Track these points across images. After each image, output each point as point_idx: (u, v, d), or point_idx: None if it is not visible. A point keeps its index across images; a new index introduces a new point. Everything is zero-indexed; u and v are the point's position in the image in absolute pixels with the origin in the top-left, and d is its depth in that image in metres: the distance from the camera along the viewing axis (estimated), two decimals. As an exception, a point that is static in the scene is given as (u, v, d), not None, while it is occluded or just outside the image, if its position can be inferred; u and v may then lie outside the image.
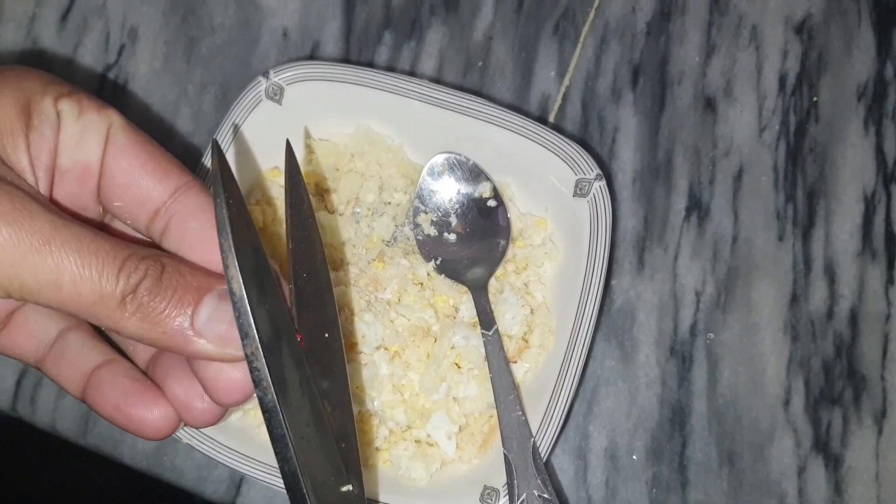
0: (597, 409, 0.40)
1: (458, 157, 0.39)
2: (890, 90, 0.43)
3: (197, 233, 0.27)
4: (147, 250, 0.25)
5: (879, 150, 0.43)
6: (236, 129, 0.37)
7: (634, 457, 0.40)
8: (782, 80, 0.44)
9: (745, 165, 0.43)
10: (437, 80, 0.43)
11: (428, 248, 0.39)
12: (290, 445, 0.25)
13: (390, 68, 0.44)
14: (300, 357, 0.27)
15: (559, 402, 0.35)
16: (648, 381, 0.41)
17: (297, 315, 0.28)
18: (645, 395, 0.40)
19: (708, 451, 0.40)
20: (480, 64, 0.44)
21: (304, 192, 0.31)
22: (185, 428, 0.35)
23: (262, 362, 0.24)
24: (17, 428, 0.42)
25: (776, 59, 0.44)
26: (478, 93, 0.40)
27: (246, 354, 0.24)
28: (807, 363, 0.40)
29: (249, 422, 0.37)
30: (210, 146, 0.27)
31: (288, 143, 0.31)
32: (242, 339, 0.24)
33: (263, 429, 0.37)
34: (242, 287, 0.23)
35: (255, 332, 0.24)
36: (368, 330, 0.37)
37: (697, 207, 0.42)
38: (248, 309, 0.23)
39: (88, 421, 0.40)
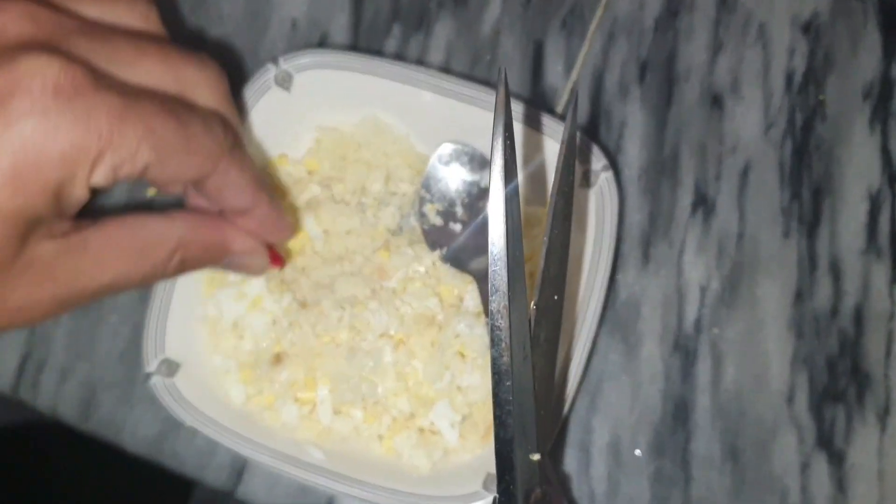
0: (600, 402, 0.40)
1: (464, 147, 0.39)
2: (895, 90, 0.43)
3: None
4: None
5: (885, 150, 0.43)
6: (245, 114, 0.37)
7: (637, 451, 0.40)
8: (789, 79, 0.44)
9: (751, 162, 0.43)
10: (445, 72, 0.43)
11: (433, 237, 0.39)
12: (512, 411, 0.25)
13: (398, 59, 0.44)
14: (527, 322, 0.27)
15: (562, 395, 0.35)
16: (652, 376, 0.40)
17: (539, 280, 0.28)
18: (648, 389, 0.40)
19: (711, 447, 0.40)
20: (488, 58, 0.44)
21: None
22: (188, 410, 0.35)
23: (506, 322, 0.24)
24: (17, 413, 0.42)
25: (783, 57, 0.44)
26: (486, 83, 0.41)
27: (491, 311, 0.24)
28: (811, 360, 0.40)
29: (253, 407, 0.37)
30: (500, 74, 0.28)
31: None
32: (491, 295, 0.24)
33: (268, 413, 0.37)
34: (504, 241, 0.23)
35: (507, 290, 0.23)
36: (373, 318, 0.37)
37: (703, 203, 0.42)
38: (506, 266, 0.23)
39: (90, 406, 0.40)
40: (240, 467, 0.40)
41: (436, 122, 0.39)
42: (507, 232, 0.24)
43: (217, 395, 0.37)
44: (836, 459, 0.39)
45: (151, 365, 0.36)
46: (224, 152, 0.28)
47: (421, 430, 0.37)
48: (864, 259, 0.41)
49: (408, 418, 0.37)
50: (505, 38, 0.44)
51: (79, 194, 0.24)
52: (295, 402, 0.37)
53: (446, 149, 0.39)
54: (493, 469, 0.35)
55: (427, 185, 0.39)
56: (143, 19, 0.28)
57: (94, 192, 0.25)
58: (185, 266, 0.30)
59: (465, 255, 0.39)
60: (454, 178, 0.39)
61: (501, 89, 0.26)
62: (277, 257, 0.36)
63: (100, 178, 0.24)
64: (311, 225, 0.39)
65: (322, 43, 0.44)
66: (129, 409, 0.40)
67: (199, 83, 0.28)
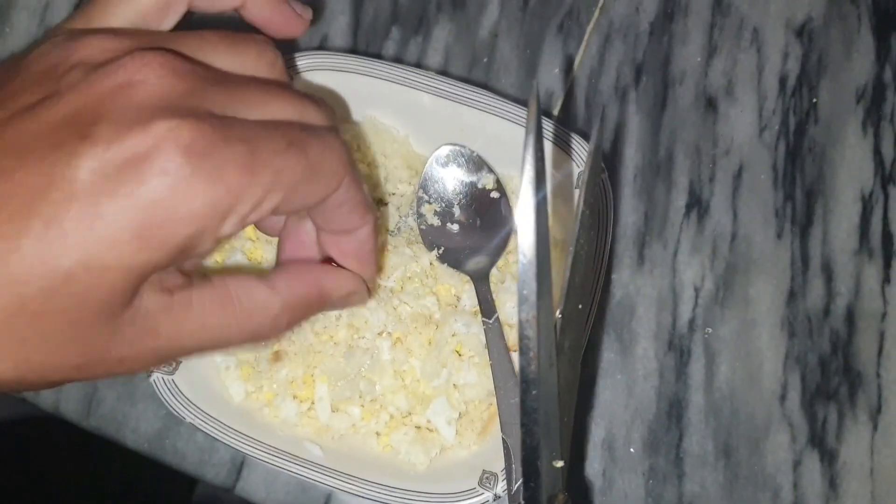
0: (595, 400, 0.41)
1: (462, 148, 0.40)
2: (888, 93, 0.44)
3: None
4: None
5: (877, 152, 0.43)
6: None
7: (632, 449, 0.40)
8: (783, 82, 0.44)
9: (745, 164, 0.43)
10: (443, 74, 0.44)
11: (431, 237, 0.40)
12: (538, 420, 0.25)
13: (397, 62, 0.44)
14: (553, 331, 0.27)
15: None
16: (646, 374, 0.41)
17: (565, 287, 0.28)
18: (643, 387, 0.41)
19: (704, 444, 0.40)
20: (486, 60, 0.45)
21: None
22: (188, 407, 0.36)
23: (534, 332, 0.24)
24: (20, 410, 0.42)
25: (777, 60, 0.45)
26: (483, 86, 0.41)
27: (520, 320, 0.24)
28: (803, 359, 0.41)
29: (252, 404, 0.38)
30: (533, 89, 0.28)
31: None
32: (520, 304, 0.24)
33: (266, 410, 0.37)
34: (534, 251, 0.24)
35: (535, 299, 0.24)
36: (371, 316, 0.38)
37: (697, 204, 0.43)
38: (535, 275, 0.24)
39: (91, 403, 0.41)
40: (239, 464, 0.40)
41: (434, 124, 0.39)
42: (537, 242, 0.24)
43: (217, 392, 0.38)
44: (828, 457, 0.40)
45: (153, 362, 0.36)
46: (347, 170, 0.27)
47: (418, 427, 0.38)
48: (857, 259, 0.42)
49: (405, 415, 0.38)
50: (502, 41, 0.45)
51: (207, 248, 0.24)
52: (294, 399, 0.38)
53: (444, 150, 0.40)
54: (489, 466, 0.36)
55: (425, 186, 0.40)
56: (270, 68, 0.28)
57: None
58: (292, 325, 0.30)
59: (462, 256, 0.39)
60: (452, 179, 0.40)
61: (533, 101, 0.26)
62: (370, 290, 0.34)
63: (228, 229, 0.24)
64: (310, 225, 0.39)
65: (322, 45, 0.45)
66: (130, 406, 0.41)
67: (316, 113, 0.28)
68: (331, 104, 0.31)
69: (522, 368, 0.25)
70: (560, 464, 0.29)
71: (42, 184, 0.22)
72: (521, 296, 0.24)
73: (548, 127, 0.38)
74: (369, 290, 0.33)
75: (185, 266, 0.26)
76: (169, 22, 0.29)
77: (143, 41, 0.25)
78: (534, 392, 0.25)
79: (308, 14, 0.34)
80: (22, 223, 0.21)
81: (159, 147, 0.22)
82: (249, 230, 0.40)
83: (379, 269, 0.38)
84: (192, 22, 0.29)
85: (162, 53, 0.24)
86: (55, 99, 0.23)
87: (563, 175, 0.38)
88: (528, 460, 0.27)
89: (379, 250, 0.35)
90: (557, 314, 0.30)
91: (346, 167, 0.27)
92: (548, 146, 0.38)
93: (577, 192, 0.38)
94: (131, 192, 0.22)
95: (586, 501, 0.40)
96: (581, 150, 0.38)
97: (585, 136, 0.43)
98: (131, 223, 0.22)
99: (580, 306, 0.32)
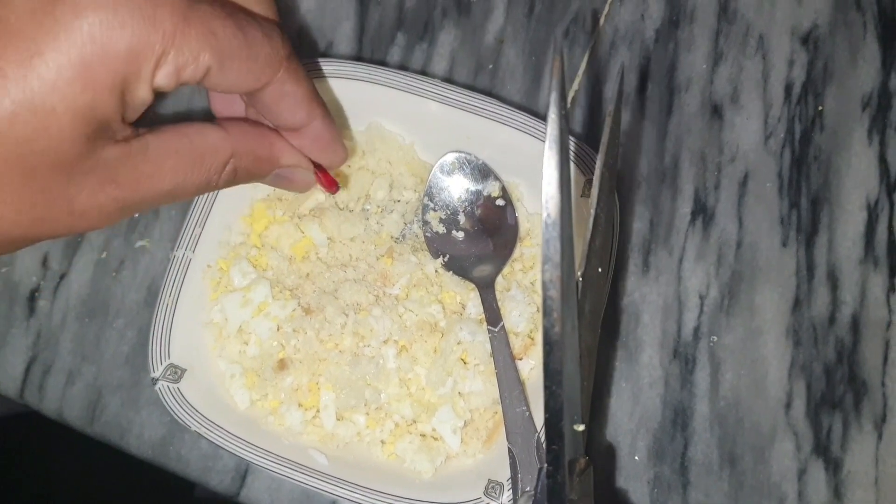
0: (600, 408, 0.41)
1: (467, 156, 0.40)
2: (894, 101, 0.44)
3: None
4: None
5: (883, 160, 0.43)
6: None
7: (636, 457, 0.40)
8: (788, 89, 0.44)
9: (751, 172, 0.43)
10: (449, 81, 0.44)
11: (436, 245, 0.40)
12: (562, 381, 0.25)
13: (402, 68, 0.44)
14: (575, 293, 0.27)
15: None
16: (651, 382, 0.41)
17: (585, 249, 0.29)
18: (648, 395, 0.41)
19: (709, 453, 0.40)
20: (491, 66, 0.45)
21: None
22: (193, 415, 0.36)
23: (557, 292, 0.24)
24: (24, 417, 0.42)
25: (782, 68, 0.44)
26: (488, 93, 0.41)
27: (543, 281, 0.24)
28: (808, 368, 0.41)
29: (257, 412, 0.38)
30: (556, 53, 0.28)
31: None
32: (543, 264, 0.24)
33: (271, 418, 0.37)
34: (560, 211, 0.24)
35: (559, 258, 0.24)
36: (377, 324, 0.38)
37: (703, 212, 0.43)
38: (558, 235, 0.24)
39: (95, 409, 0.41)
40: (244, 471, 0.40)
41: (439, 132, 0.39)
42: (561, 201, 0.24)
43: (222, 400, 0.37)
44: (833, 466, 0.40)
45: (157, 370, 0.36)
46: (282, 60, 0.28)
47: (423, 435, 0.38)
48: (862, 268, 0.42)
49: (410, 424, 0.38)
50: (507, 48, 0.45)
51: (143, 95, 0.25)
52: (299, 407, 0.37)
53: (449, 158, 0.40)
54: (494, 475, 0.35)
55: (430, 194, 0.40)
56: None
57: (156, 96, 0.25)
58: (236, 176, 0.30)
59: (467, 263, 0.39)
60: (457, 186, 0.40)
61: (557, 61, 0.26)
62: (331, 181, 0.36)
63: (163, 78, 0.25)
64: (315, 232, 0.39)
65: (327, 51, 0.45)
66: (134, 413, 0.41)
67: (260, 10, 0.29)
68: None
69: (546, 330, 0.25)
70: (581, 427, 0.29)
71: None
72: (545, 255, 0.24)
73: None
74: (335, 185, 0.35)
75: (129, 117, 0.26)
76: None
77: None
78: (557, 354, 0.25)
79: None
80: None
81: None
82: (253, 237, 0.40)
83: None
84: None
85: None
86: None
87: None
88: (552, 422, 0.26)
89: (344, 151, 0.35)
90: (579, 276, 0.30)
91: (282, 58, 0.28)
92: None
93: (583, 201, 0.38)
94: (67, 26, 0.22)
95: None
96: (586, 157, 0.38)
97: (590, 144, 0.43)
98: (70, 61, 0.22)
99: (600, 269, 0.32)
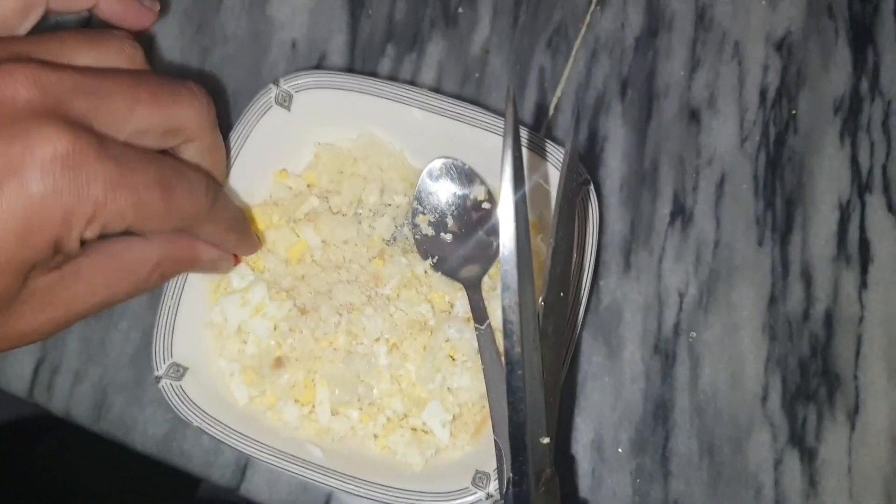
0: (584, 402, 0.42)
1: (454, 161, 0.41)
2: (865, 104, 0.46)
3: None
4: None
5: (854, 161, 0.45)
6: (247, 132, 0.40)
7: (619, 449, 0.42)
8: (763, 94, 0.46)
9: (727, 174, 0.45)
10: (437, 90, 0.46)
11: (425, 247, 0.42)
12: (524, 398, 0.27)
13: (392, 78, 0.46)
14: (536, 316, 0.29)
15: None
16: (633, 377, 0.43)
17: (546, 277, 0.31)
18: (630, 390, 0.43)
19: (689, 444, 0.42)
20: (477, 75, 0.46)
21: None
22: (194, 412, 0.37)
23: (517, 316, 0.26)
24: (31, 415, 0.44)
25: (757, 73, 0.46)
26: (474, 102, 0.43)
27: (503, 306, 0.26)
28: (784, 361, 0.43)
29: (256, 408, 0.39)
30: (508, 95, 0.31)
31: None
32: (503, 291, 0.26)
33: (269, 414, 0.39)
34: (514, 242, 0.26)
35: (517, 287, 0.26)
36: (369, 323, 0.39)
37: (681, 213, 0.44)
38: (516, 265, 0.26)
39: (102, 408, 0.43)
40: (243, 465, 0.42)
41: (428, 138, 0.41)
42: (517, 235, 0.26)
43: (222, 397, 0.39)
44: (808, 456, 0.42)
45: (160, 369, 0.38)
46: (202, 215, 0.32)
47: (414, 429, 0.39)
48: (835, 266, 0.44)
49: (401, 418, 0.39)
50: (493, 57, 0.47)
51: (72, 246, 0.28)
52: (295, 403, 0.39)
53: (437, 163, 0.41)
54: (482, 466, 0.37)
55: (419, 198, 0.42)
56: (130, 61, 0.31)
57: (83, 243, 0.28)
58: (164, 278, 0.34)
59: (455, 264, 0.41)
60: (445, 190, 0.42)
61: (510, 106, 0.29)
62: (236, 259, 0.40)
63: (90, 233, 0.27)
64: (310, 235, 0.41)
65: (320, 63, 0.47)
66: (139, 410, 0.42)
67: (187, 118, 0.32)
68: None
69: (507, 350, 0.27)
70: (546, 440, 0.31)
71: None
72: (504, 283, 0.26)
73: (534, 140, 0.40)
74: (237, 259, 0.39)
75: (55, 262, 0.29)
76: (27, 25, 0.33)
77: (4, 51, 0.27)
78: (518, 372, 0.27)
79: (156, 6, 0.40)
80: None
81: (37, 155, 0.25)
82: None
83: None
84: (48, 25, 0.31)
85: (25, 65, 0.26)
86: None
87: (550, 186, 0.40)
88: (515, 436, 0.28)
89: (254, 248, 0.40)
90: (540, 301, 0.32)
91: (202, 214, 0.32)
92: (535, 158, 0.40)
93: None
94: (12, 196, 0.25)
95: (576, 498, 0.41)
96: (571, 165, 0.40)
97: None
98: (14, 226, 0.25)
99: (562, 294, 0.34)
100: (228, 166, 0.39)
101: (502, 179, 0.27)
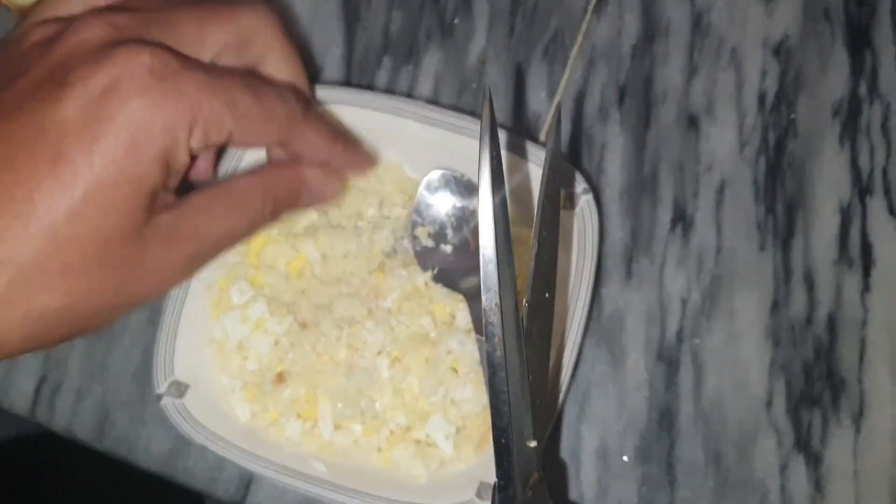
0: (588, 411, 0.42)
1: (453, 172, 0.41)
2: (863, 107, 0.46)
3: None
4: None
5: (854, 164, 0.45)
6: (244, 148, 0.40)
7: (625, 457, 0.42)
8: (761, 99, 0.46)
9: (727, 180, 0.45)
10: (434, 102, 0.46)
11: (426, 258, 0.41)
12: (507, 401, 0.27)
13: (389, 90, 0.46)
14: (518, 317, 0.29)
15: (555, 399, 0.37)
16: (637, 385, 0.43)
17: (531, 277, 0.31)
18: (634, 397, 0.42)
19: (694, 451, 0.42)
20: (474, 86, 0.46)
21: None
22: (197, 429, 0.37)
23: (498, 318, 0.26)
24: (34, 433, 0.44)
25: (755, 78, 0.46)
26: (471, 113, 0.43)
27: (484, 308, 0.26)
28: (788, 366, 0.42)
29: (258, 424, 0.39)
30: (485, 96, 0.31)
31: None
32: (483, 293, 0.26)
33: (272, 429, 0.39)
34: (493, 244, 0.26)
35: (497, 288, 0.26)
36: (370, 336, 0.39)
37: (682, 220, 0.44)
38: (496, 267, 0.26)
39: (104, 426, 0.43)
40: (247, 481, 0.42)
41: (426, 151, 0.41)
42: (497, 236, 0.27)
43: (224, 413, 0.39)
44: (814, 461, 0.41)
45: (162, 387, 0.38)
46: (298, 119, 0.32)
47: (417, 442, 0.39)
48: (837, 269, 0.44)
49: (405, 431, 0.39)
50: (490, 67, 0.47)
51: (182, 159, 0.28)
52: (298, 418, 0.39)
53: (435, 175, 0.41)
54: (486, 478, 0.37)
55: (418, 210, 0.42)
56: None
57: (192, 159, 0.29)
58: (278, 208, 0.34)
59: (456, 275, 0.41)
60: (444, 202, 0.42)
61: (487, 106, 0.29)
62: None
63: (195, 142, 0.28)
64: (309, 249, 0.41)
65: (317, 75, 0.47)
66: (141, 428, 0.42)
67: (255, 27, 0.32)
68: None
69: (488, 353, 0.27)
70: (533, 444, 0.31)
71: (37, 132, 0.26)
72: (484, 285, 0.26)
73: (532, 149, 0.40)
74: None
75: (171, 183, 0.30)
76: None
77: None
78: (501, 374, 0.27)
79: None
80: (32, 168, 0.25)
81: (128, 71, 0.26)
82: (251, 256, 0.41)
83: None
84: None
85: (99, 13, 0.28)
86: (26, 72, 0.27)
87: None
88: (499, 439, 0.28)
89: (368, 163, 0.39)
90: (524, 302, 0.32)
91: (297, 117, 0.32)
92: (533, 168, 0.40)
93: (565, 214, 0.39)
94: (116, 113, 0.26)
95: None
96: (566, 173, 0.39)
97: (571, 157, 0.45)
98: (122, 140, 0.26)
99: (547, 295, 0.34)
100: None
101: (480, 180, 0.27)
